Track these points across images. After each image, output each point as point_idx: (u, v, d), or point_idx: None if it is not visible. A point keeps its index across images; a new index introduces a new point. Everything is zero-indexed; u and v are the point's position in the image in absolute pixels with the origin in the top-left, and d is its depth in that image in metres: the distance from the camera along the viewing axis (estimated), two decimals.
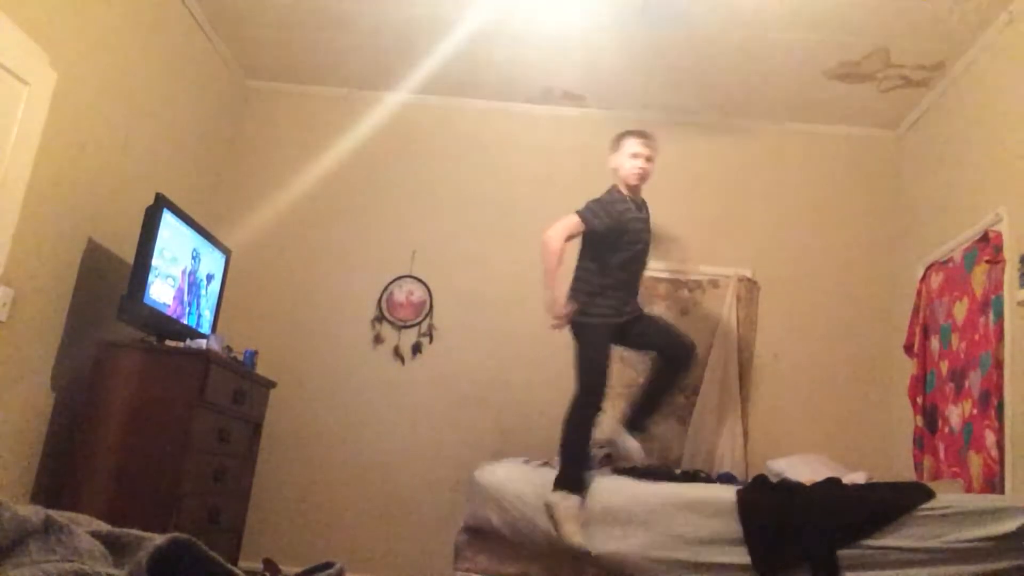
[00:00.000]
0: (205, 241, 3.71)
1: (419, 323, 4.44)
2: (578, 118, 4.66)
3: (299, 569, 1.16)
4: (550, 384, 4.28)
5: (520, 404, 4.26)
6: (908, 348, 4.01)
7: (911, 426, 3.88)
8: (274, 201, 4.58)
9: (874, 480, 3.27)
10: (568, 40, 4.01)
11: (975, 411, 3.33)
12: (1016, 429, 3.05)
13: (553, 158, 4.58)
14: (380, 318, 4.44)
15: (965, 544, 2.56)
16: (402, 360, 4.39)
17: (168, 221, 3.32)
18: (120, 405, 3.09)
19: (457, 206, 4.59)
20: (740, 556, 2.69)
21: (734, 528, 2.72)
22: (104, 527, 0.95)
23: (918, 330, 3.93)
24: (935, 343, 3.78)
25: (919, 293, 3.98)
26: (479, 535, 2.95)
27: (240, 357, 3.74)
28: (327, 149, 4.63)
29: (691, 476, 3.33)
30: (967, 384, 3.43)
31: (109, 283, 3.40)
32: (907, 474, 3.79)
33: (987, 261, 3.36)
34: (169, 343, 3.28)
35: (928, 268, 3.93)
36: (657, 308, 4.37)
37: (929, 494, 2.73)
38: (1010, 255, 3.21)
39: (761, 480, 3.08)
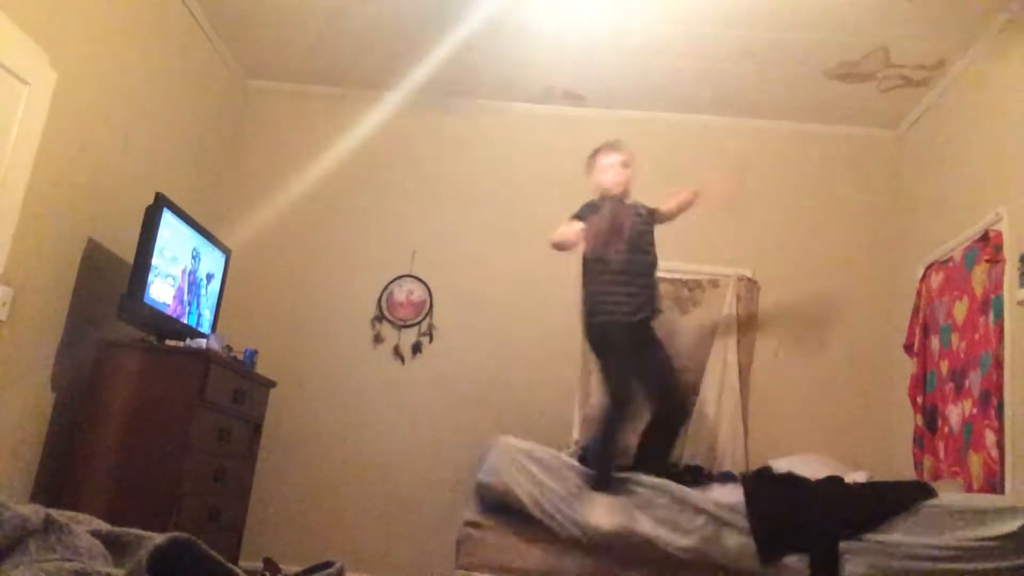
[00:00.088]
0: (205, 241, 3.71)
1: (419, 323, 4.44)
2: (578, 118, 4.66)
3: (299, 569, 1.16)
4: (550, 384, 4.29)
5: (520, 404, 4.26)
6: (908, 348, 4.01)
7: (911, 426, 3.89)
8: (274, 201, 4.58)
9: (875, 480, 3.27)
10: (568, 40, 4.01)
11: (975, 411, 3.33)
12: (1016, 429, 3.05)
13: (553, 158, 4.58)
14: (380, 318, 4.44)
15: (966, 543, 2.57)
16: (402, 360, 4.39)
17: (168, 221, 3.32)
18: (120, 405, 3.09)
19: (457, 206, 4.59)
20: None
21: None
22: (104, 527, 0.95)
23: (918, 330, 3.93)
24: (935, 343, 3.78)
25: (919, 293, 3.98)
26: (481, 531, 2.94)
27: (240, 357, 3.74)
28: (327, 149, 4.63)
29: (694, 472, 3.31)
30: (967, 384, 3.43)
31: (109, 283, 3.40)
32: (907, 474, 3.79)
33: (987, 261, 3.36)
34: (169, 343, 3.28)
35: (928, 268, 3.93)
36: None
37: (931, 492, 2.74)
38: (1010, 255, 3.21)
39: (766, 471, 3.09)
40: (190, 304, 3.61)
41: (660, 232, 4.66)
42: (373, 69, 4.47)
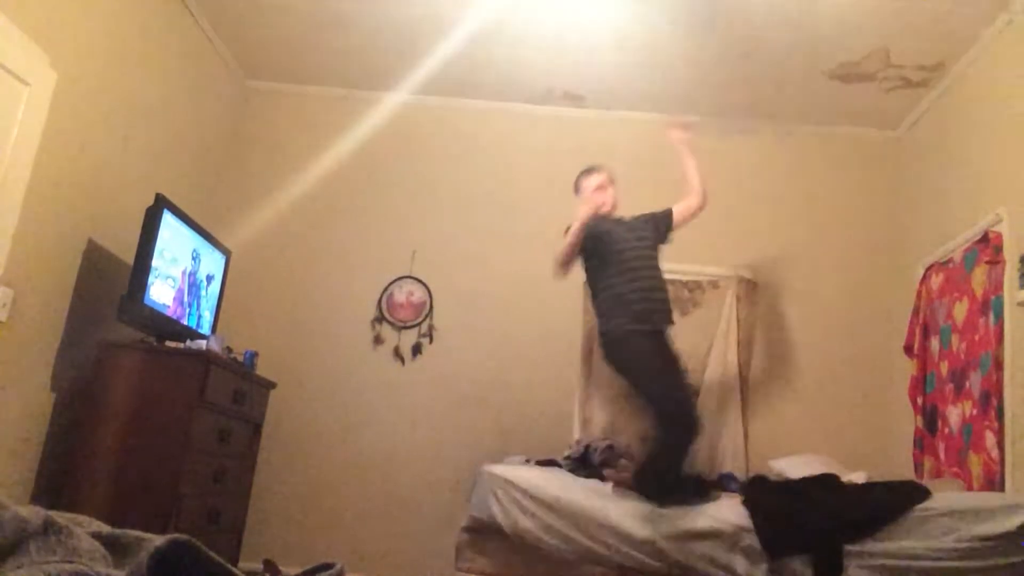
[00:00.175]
0: (205, 241, 3.71)
1: (419, 324, 4.43)
2: (578, 118, 4.66)
3: (299, 569, 1.16)
4: (550, 384, 4.29)
5: (520, 404, 4.26)
6: (908, 348, 4.01)
7: (911, 426, 3.89)
8: (274, 201, 4.58)
9: (873, 480, 3.27)
10: (568, 40, 4.01)
11: (975, 411, 3.33)
12: (1016, 430, 3.05)
13: (553, 158, 4.58)
14: (380, 319, 4.44)
15: (966, 543, 2.56)
16: (402, 360, 4.39)
17: (168, 221, 3.32)
18: (120, 405, 3.09)
19: (457, 206, 4.59)
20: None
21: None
22: (104, 528, 0.95)
23: (918, 330, 3.93)
24: (935, 343, 3.78)
25: (919, 293, 3.98)
26: (480, 535, 2.95)
27: (240, 357, 3.74)
28: (327, 149, 4.63)
29: (697, 485, 3.30)
30: (967, 384, 3.43)
31: (109, 283, 3.40)
32: (907, 474, 3.79)
33: (987, 262, 3.36)
34: (169, 344, 3.28)
35: (928, 268, 3.93)
36: None
37: (926, 493, 2.74)
38: (1010, 255, 3.21)
39: (760, 479, 3.09)
40: (190, 305, 3.61)
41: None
42: (373, 69, 4.47)
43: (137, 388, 3.11)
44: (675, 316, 4.27)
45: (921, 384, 3.85)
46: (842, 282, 4.41)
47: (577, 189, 3.49)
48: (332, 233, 4.57)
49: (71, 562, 0.82)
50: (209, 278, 3.82)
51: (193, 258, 3.61)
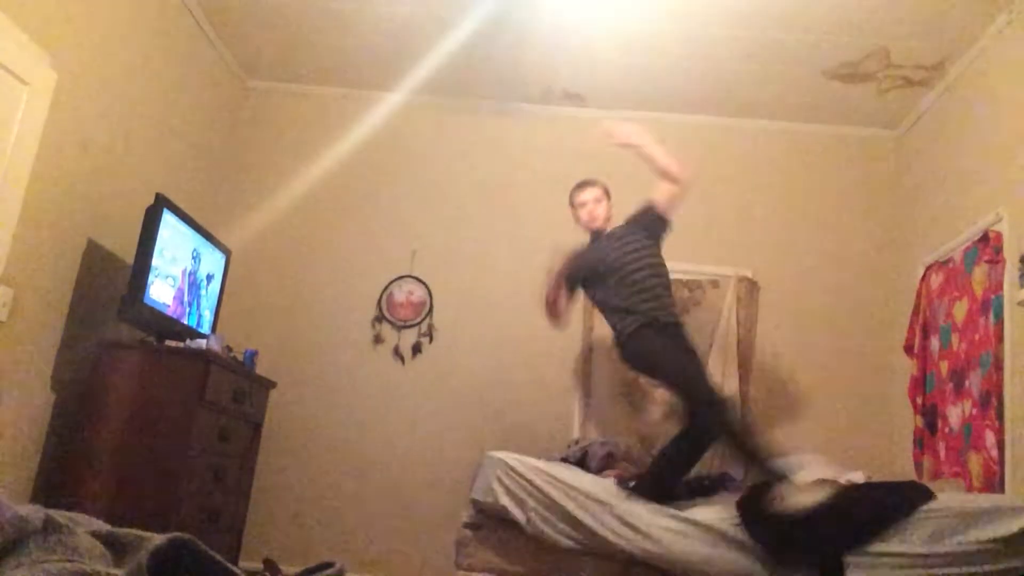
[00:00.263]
0: (205, 241, 3.71)
1: (419, 323, 4.44)
2: (578, 118, 4.66)
3: (299, 569, 1.16)
4: (550, 384, 4.29)
5: (520, 404, 4.26)
6: (908, 348, 4.01)
7: (911, 426, 3.89)
8: (274, 201, 4.58)
9: (872, 480, 3.26)
10: (568, 40, 4.01)
11: (975, 411, 3.33)
12: (1016, 429, 3.05)
13: (553, 158, 4.58)
14: (380, 318, 4.44)
15: (967, 547, 2.55)
16: (402, 360, 4.39)
17: (168, 221, 3.32)
18: (120, 405, 3.09)
19: (457, 206, 4.59)
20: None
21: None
22: (104, 527, 0.95)
23: (918, 330, 3.93)
24: (935, 343, 3.79)
25: (919, 293, 3.98)
26: (480, 530, 2.94)
27: (240, 357, 3.74)
28: (327, 149, 4.63)
29: (700, 484, 3.30)
30: (967, 384, 3.43)
31: (109, 283, 3.40)
32: (907, 474, 3.79)
33: (987, 261, 3.36)
34: (169, 343, 3.28)
35: (928, 268, 3.93)
36: None
37: (928, 494, 2.72)
38: (1010, 255, 3.21)
39: (759, 487, 3.07)
40: (190, 305, 3.61)
41: None
42: (373, 69, 4.47)
43: (137, 388, 3.11)
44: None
45: (921, 384, 3.85)
46: (842, 282, 4.41)
47: (570, 203, 3.47)
48: (332, 233, 4.57)
49: (71, 561, 0.82)
50: (209, 277, 3.82)
51: (193, 257, 3.61)
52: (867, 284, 4.41)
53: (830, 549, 2.61)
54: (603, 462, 3.37)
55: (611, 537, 2.75)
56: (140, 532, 0.94)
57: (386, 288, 4.48)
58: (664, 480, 2.94)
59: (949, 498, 2.75)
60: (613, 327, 3.21)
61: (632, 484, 2.95)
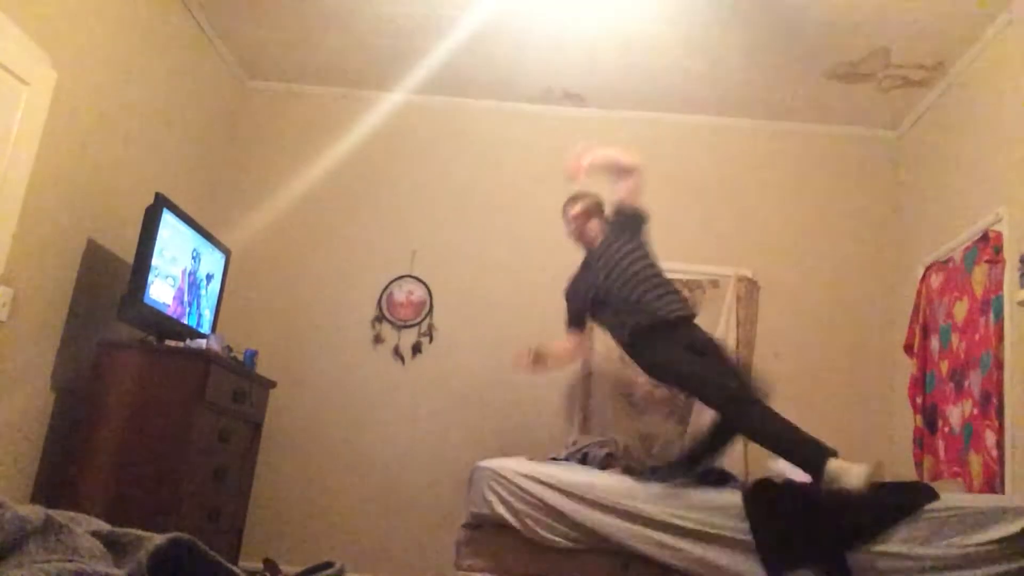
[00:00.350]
0: (205, 241, 3.71)
1: (419, 323, 4.44)
2: (578, 118, 4.66)
3: (299, 569, 1.16)
4: (550, 384, 4.28)
5: (520, 404, 4.26)
6: (908, 348, 4.01)
7: (911, 426, 3.89)
8: (274, 201, 4.58)
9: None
10: (568, 40, 4.01)
11: (975, 411, 3.33)
12: (1016, 429, 3.05)
13: (553, 158, 4.57)
14: (380, 318, 4.45)
15: (970, 548, 2.55)
16: (402, 360, 4.39)
17: (168, 221, 3.32)
18: (120, 405, 3.09)
19: (457, 206, 4.59)
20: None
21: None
22: (104, 527, 0.95)
23: (918, 330, 3.93)
24: (935, 343, 3.79)
25: (919, 293, 3.98)
26: (480, 531, 2.93)
27: (240, 357, 3.74)
28: (327, 149, 4.63)
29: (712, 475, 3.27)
30: (967, 384, 3.43)
31: (109, 283, 3.40)
32: (907, 474, 3.79)
33: (987, 261, 3.36)
34: (169, 343, 3.28)
35: (928, 268, 3.93)
36: None
37: (933, 494, 2.72)
38: (1010, 255, 3.21)
39: (765, 482, 3.07)
40: (190, 304, 3.61)
41: (659, 233, 4.66)
42: (373, 69, 4.48)
43: (137, 388, 3.11)
44: None
45: (921, 383, 3.85)
46: (842, 282, 4.41)
47: (563, 215, 3.42)
48: (332, 232, 4.57)
49: (71, 561, 0.82)
50: (209, 277, 3.82)
51: (193, 257, 3.61)
52: (867, 284, 4.41)
53: (832, 548, 2.61)
54: (603, 462, 3.36)
55: (609, 533, 2.74)
56: (140, 532, 0.94)
57: (386, 288, 4.48)
58: (689, 465, 2.92)
59: (950, 498, 2.75)
60: (619, 341, 3.15)
61: (655, 469, 2.95)
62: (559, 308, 4.29)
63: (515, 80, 4.44)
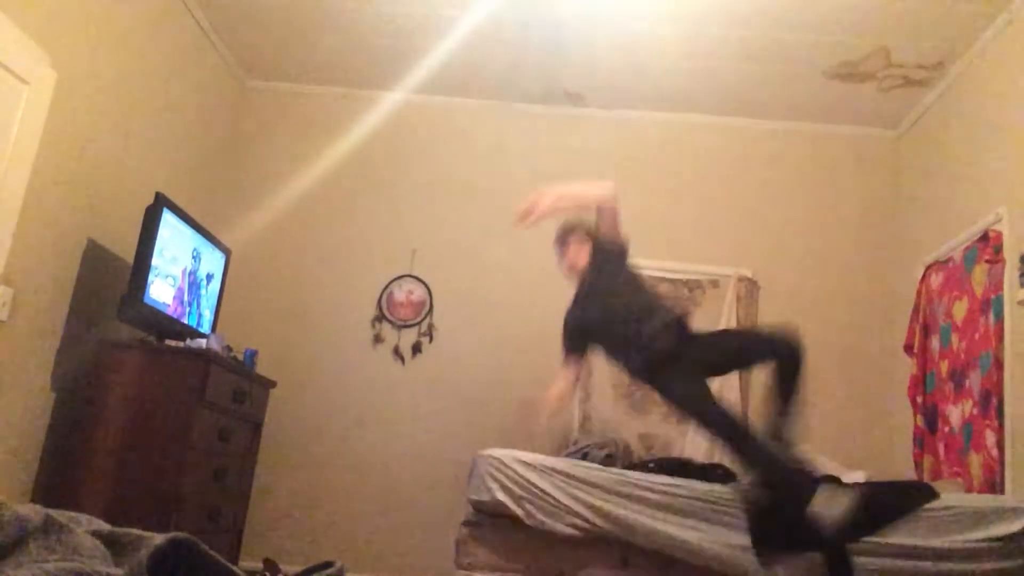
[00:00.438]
0: (205, 241, 3.71)
1: (419, 323, 4.44)
2: (578, 118, 4.66)
3: (299, 569, 1.16)
4: (550, 383, 4.28)
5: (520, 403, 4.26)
6: (908, 348, 4.01)
7: (911, 426, 3.89)
8: (274, 201, 4.58)
9: (873, 479, 3.26)
10: (568, 40, 4.01)
11: (975, 411, 3.33)
12: (1016, 429, 3.05)
13: (553, 158, 4.58)
14: (380, 318, 4.44)
15: (969, 545, 2.56)
16: (402, 360, 4.39)
17: (168, 221, 3.32)
18: (120, 405, 3.09)
19: (457, 206, 4.59)
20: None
21: None
22: (104, 527, 0.95)
23: (918, 330, 3.93)
24: (935, 343, 3.79)
25: (919, 293, 3.98)
26: (480, 528, 2.93)
27: (240, 357, 3.74)
28: (327, 149, 4.63)
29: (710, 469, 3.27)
30: (967, 384, 3.43)
31: (109, 283, 3.40)
32: (907, 474, 3.79)
33: (987, 261, 3.36)
34: (169, 343, 3.28)
35: (928, 268, 3.93)
36: None
37: (932, 493, 2.73)
38: (1010, 255, 3.21)
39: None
40: (190, 304, 3.61)
41: (660, 233, 4.67)
42: (373, 68, 4.48)
43: (137, 388, 3.11)
44: None
45: (921, 383, 3.85)
46: (842, 282, 4.41)
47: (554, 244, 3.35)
48: (332, 232, 4.57)
49: (71, 560, 0.82)
50: (209, 277, 3.82)
51: (193, 257, 3.61)
52: (867, 284, 4.41)
53: (832, 541, 2.61)
54: (603, 462, 3.37)
55: (610, 514, 2.73)
56: (140, 532, 0.94)
57: (386, 288, 4.48)
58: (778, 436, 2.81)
59: (950, 498, 2.76)
60: (632, 371, 3.07)
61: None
62: (560, 308, 4.30)
63: (515, 80, 4.44)
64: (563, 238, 3.29)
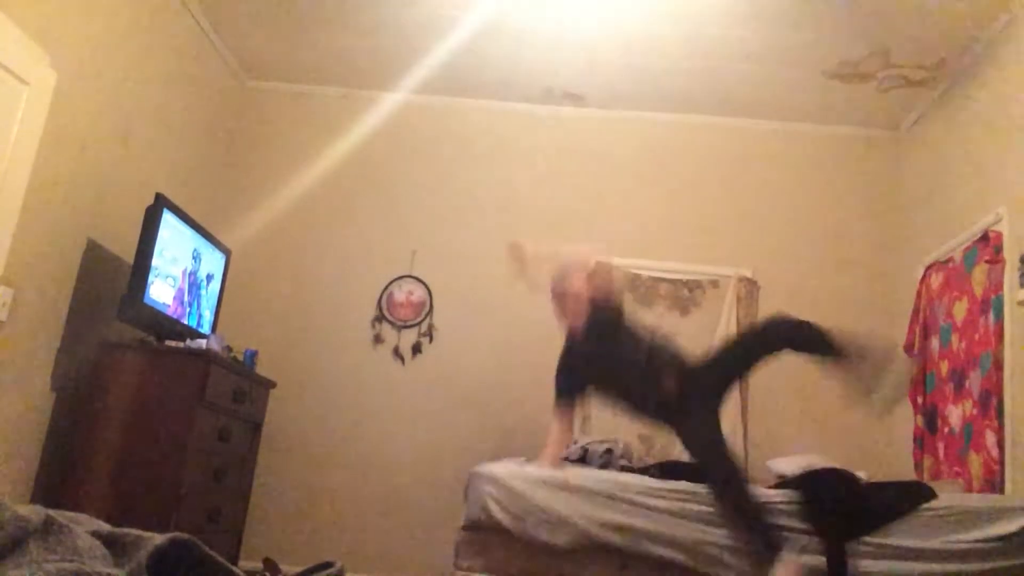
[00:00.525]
0: (205, 241, 3.71)
1: (419, 323, 4.44)
2: (578, 118, 4.66)
3: (299, 569, 1.16)
4: (550, 383, 4.28)
5: (520, 404, 4.26)
6: (908, 348, 4.01)
7: (911, 426, 3.89)
8: (274, 201, 4.58)
9: (872, 479, 3.26)
10: (568, 40, 4.01)
11: (975, 411, 3.33)
12: (1016, 429, 3.05)
13: (553, 158, 4.58)
14: (380, 318, 4.44)
15: (967, 544, 2.56)
16: (402, 360, 4.39)
17: (168, 221, 3.32)
18: (120, 405, 3.09)
19: (457, 206, 4.59)
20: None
21: None
22: (104, 527, 0.95)
23: (918, 330, 3.93)
24: (935, 343, 3.79)
25: (919, 293, 3.98)
26: (480, 532, 2.93)
27: (240, 357, 3.74)
28: (327, 149, 4.64)
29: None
30: (967, 384, 3.43)
31: (109, 283, 3.40)
32: (907, 474, 3.79)
33: (987, 261, 3.36)
34: (169, 343, 3.28)
35: (928, 268, 3.93)
36: (657, 308, 4.38)
37: (931, 493, 2.73)
38: (1010, 255, 3.21)
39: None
40: (190, 304, 3.61)
41: (660, 233, 4.68)
42: (373, 68, 4.47)
43: (137, 388, 3.11)
44: (675, 316, 4.32)
45: (921, 383, 3.85)
46: (842, 282, 4.41)
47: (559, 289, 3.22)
48: (332, 232, 4.57)
49: (71, 561, 0.82)
50: (209, 277, 3.82)
51: (193, 257, 3.61)
52: (867, 284, 4.40)
53: (831, 538, 2.61)
54: (603, 458, 3.37)
55: (609, 531, 2.73)
56: (140, 532, 0.93)
57: (386, 288, 4.48)
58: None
59: (950, 498, 2.76)
60: (646, 415, 3.06)
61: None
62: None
63: (515, 80, 4.44)
64: (559, 295, 3.15)
